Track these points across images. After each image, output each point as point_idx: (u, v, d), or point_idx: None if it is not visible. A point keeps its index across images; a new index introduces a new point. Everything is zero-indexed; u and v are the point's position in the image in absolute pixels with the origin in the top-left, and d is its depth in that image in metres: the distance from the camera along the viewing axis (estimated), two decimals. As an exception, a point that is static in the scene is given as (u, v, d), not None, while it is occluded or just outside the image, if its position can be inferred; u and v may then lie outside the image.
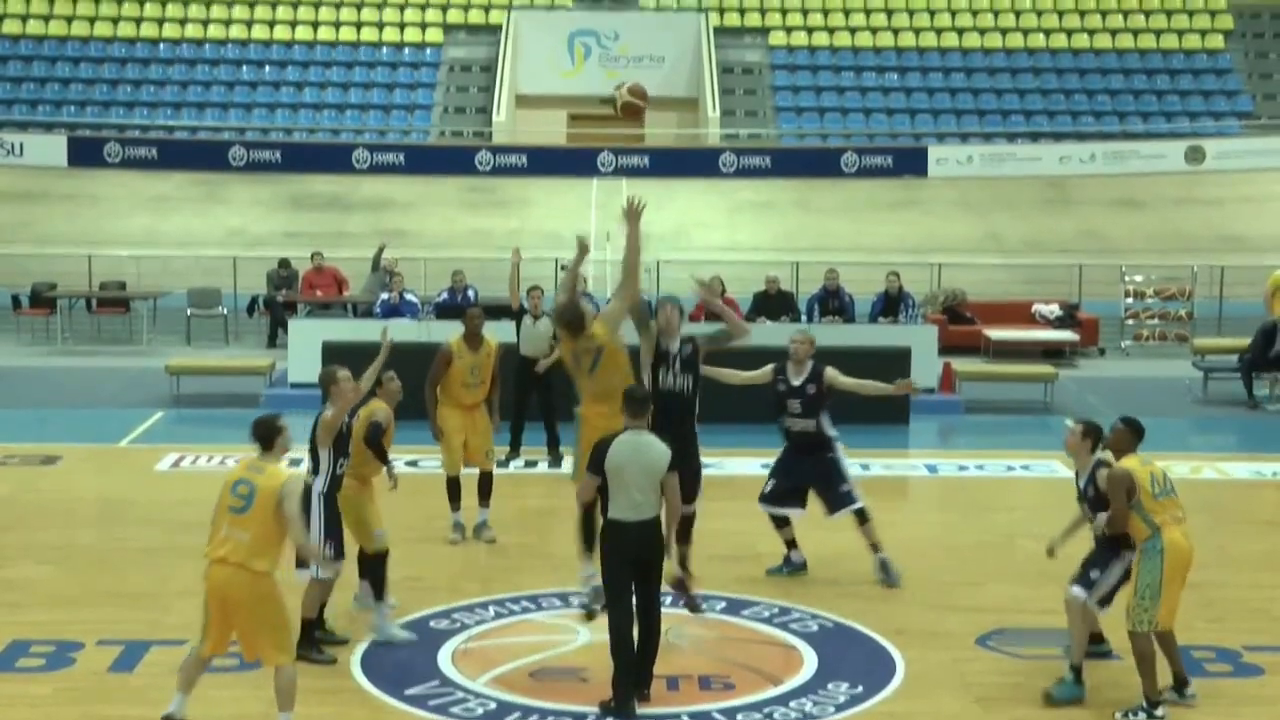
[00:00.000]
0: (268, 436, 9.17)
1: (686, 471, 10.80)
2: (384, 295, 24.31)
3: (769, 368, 12.70)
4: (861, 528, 12.67)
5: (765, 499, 12.78)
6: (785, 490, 12.66)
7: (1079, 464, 10.33)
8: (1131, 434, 10.14)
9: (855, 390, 12.66)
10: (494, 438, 14.33)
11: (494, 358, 14.20)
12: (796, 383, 12.58)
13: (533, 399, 17.33)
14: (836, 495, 12.64)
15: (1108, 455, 10.22)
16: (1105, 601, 10.19)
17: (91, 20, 47.16)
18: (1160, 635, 9.76)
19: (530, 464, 17.25)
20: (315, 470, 10.70)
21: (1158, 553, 9.66)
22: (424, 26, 48.11)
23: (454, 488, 13.95)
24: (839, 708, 9.89)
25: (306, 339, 21.07)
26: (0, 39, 46.41)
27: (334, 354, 19.29)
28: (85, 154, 41.70)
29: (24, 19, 46.89)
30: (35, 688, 10.15)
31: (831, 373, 12.52)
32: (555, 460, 17.19)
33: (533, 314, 17.35)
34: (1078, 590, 10.12)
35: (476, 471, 14.03)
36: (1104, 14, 48.79)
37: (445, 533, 13.86)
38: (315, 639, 10.68)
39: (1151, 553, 9.69)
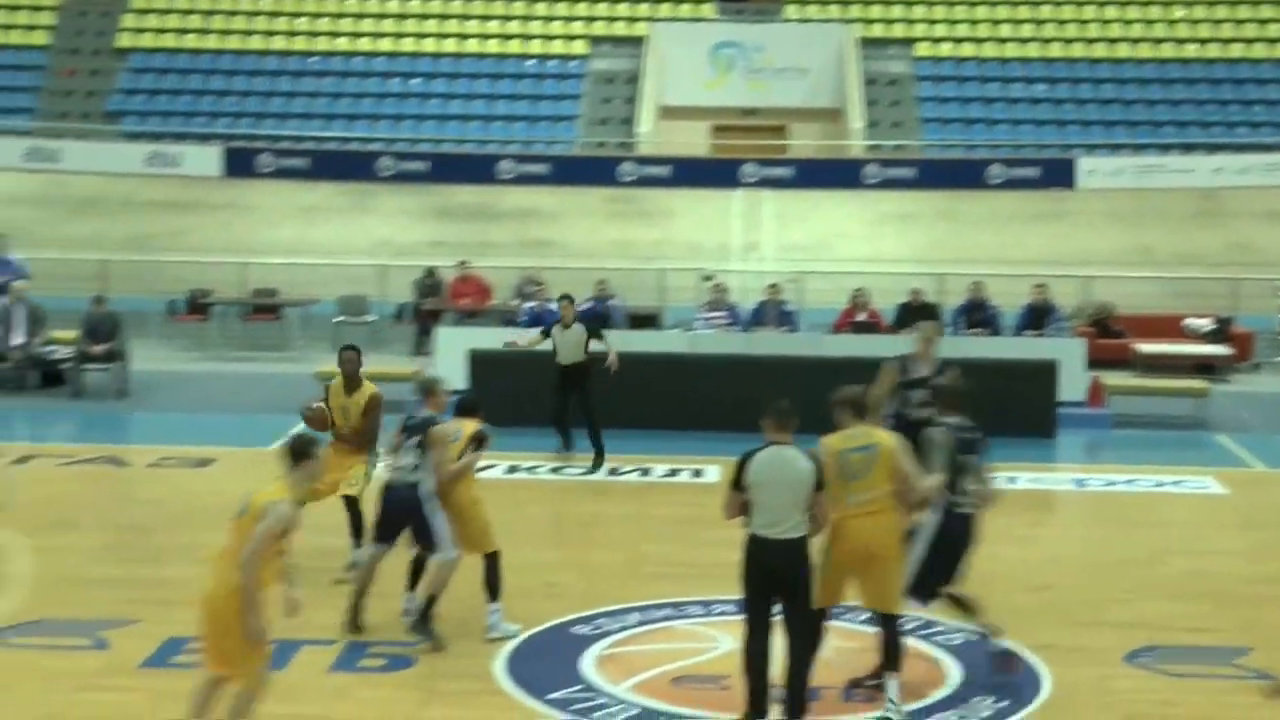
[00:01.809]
0: (299, 452, 8.84)
1: None
2: (529, 304, 24.53)
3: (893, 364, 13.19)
4: None
5: None
6: None
7: None
8: None
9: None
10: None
11: (360, 407, 13.08)
12: (923, 373, 13.07)
13: (571, 403, 17.43)
14: None
15: None
16: None
17: (246, 34, 48.10)
18: None
19: (672, 473, 17.27)
20: (419, 466, 11.02)
21: None
22: (569, 39, 48.42)
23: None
24: (983, 721, 9.83)
25: (453, 346, 21.28)
26: (158, 53, 47.55)
27: (480, 361, 19.58)
28: (239, 164, 42.46)
29: (181, 33, 47.99)
30: (189, 684, 10.34)
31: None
32: (598, 464, 17.30)
33: (564, 324, 17.38)
34: None
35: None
36: (1262, 22, 47.75)
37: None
38: (431, 617, 10.92)
39: None
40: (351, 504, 12.95)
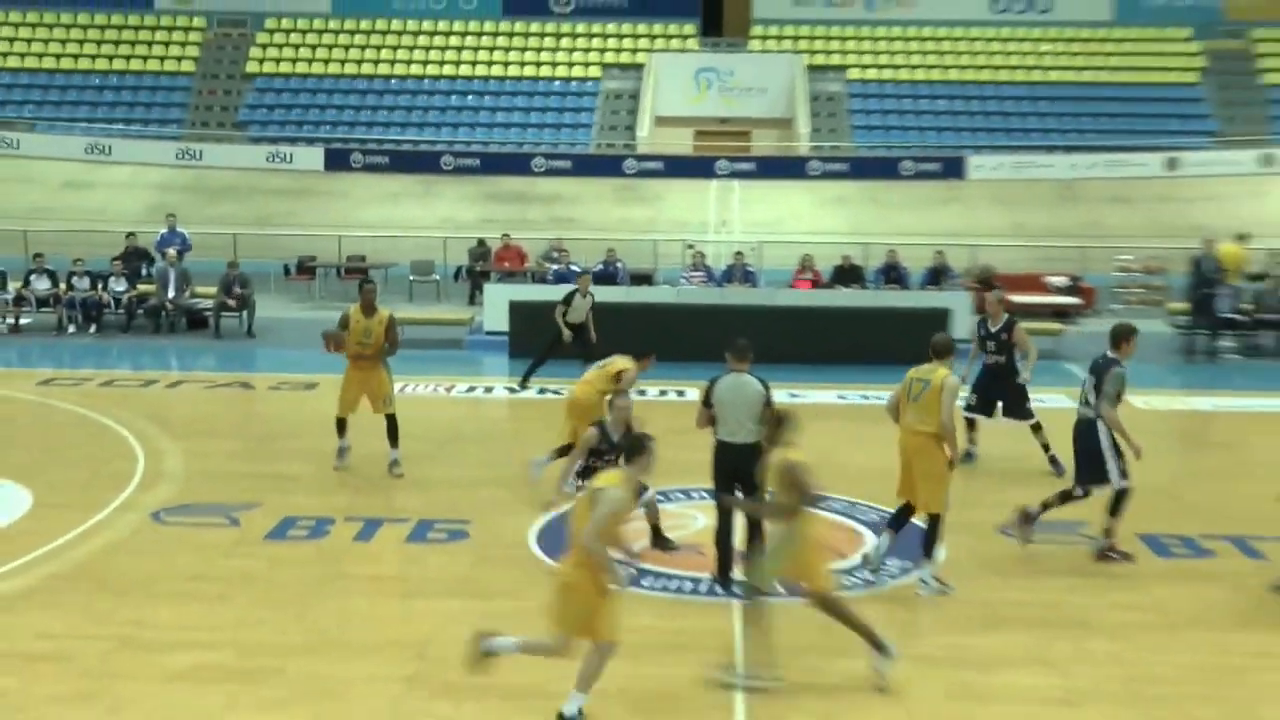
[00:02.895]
0: (635, 448, 7.53)
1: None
2: (554, 266, 24.50)
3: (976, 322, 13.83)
4: (1037, 435, 13.35)
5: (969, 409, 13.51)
6: (982, 402, 13.63)
7: None
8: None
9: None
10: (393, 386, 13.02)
11: (384, 325, 12.69)
12: (993, 329, 13.53)
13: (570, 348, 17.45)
14: (1022, 409, 13.50)
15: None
16: None
17: (343, 62, 47.82)
18: None
19: (663, 393, 17.28)
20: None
21: None
22: (586, 65, 48.11)
23: (340, 425, 12.91)
24: (893, 578, 9.87)
25: (498, 298, 21.27)
26: (277, 76, 47.27)
27: (519, 310, 19.55)
28: (337, 161, 42.35)
29: (294, 62, 47.72)
30: (300, 552, 10.43)
31: (1021, 328, 13.40)
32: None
33: (581, 294, 17.58)
34: None
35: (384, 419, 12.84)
36: (1107, 55, 47.49)
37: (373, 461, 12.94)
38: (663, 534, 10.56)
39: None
40: (390, 419, 12.79)
